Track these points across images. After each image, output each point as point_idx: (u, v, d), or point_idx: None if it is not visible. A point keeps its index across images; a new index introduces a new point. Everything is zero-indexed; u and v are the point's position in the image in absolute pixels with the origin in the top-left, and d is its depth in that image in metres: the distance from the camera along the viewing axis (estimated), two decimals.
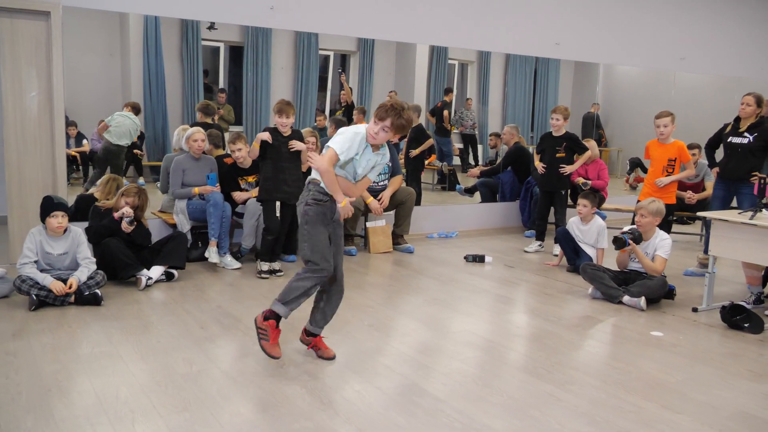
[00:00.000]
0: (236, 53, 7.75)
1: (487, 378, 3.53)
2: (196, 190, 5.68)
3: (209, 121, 6.62)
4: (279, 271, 5.47)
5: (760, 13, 10.06)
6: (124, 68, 7.00)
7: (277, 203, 5.40)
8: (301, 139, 5.41)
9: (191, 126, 6.09)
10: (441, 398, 3.23)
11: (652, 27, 9.13)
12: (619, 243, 4.98)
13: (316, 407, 3.10)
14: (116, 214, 5.00)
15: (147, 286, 4.95)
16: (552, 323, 4.53)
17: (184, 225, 5.66)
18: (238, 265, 5.70)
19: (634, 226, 5.12)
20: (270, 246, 5.40)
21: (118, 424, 2.86)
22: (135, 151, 6.91)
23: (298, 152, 5.32)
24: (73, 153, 6.96)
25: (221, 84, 7.93)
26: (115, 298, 4.70)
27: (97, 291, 4.57)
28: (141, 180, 7.15)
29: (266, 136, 5.17)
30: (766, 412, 3.21)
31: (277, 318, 3.46)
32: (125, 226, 4.96)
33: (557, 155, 6.76)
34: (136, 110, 6.72)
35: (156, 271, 5.08)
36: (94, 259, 4.76)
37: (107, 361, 3.56)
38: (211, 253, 5.59)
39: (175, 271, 5.22)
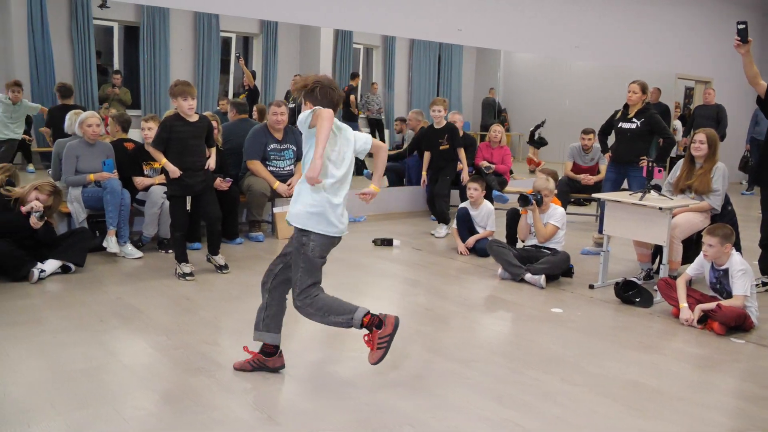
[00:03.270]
0: (131, 34, 7.41)
1: (394, 360, 3.57)
2: (92, 176, 5.41)
3: (70, 102, 6.30)
4: (225, 267, 5.15)
5: (644, 7, 10.64)
6: (6, 48, 6.54)
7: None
8: (208, 123, 5.09)
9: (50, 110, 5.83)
10: (349, 382, 3.25)
11: (549, 16, 9.46)
12: (524, 201, 5.17)
13: (223, 396, 3.04)
14: (24, 208, 4.69)
15: (40, 279, 4.68)
16: (458, 304, 4.64)
17: (80, 214, 5.38)
18: (139, 254, 5.48)
19: (538, 192, 5.29)
20: (182, 244, 5.01)
21: (10, 425, 2.70)
22: (24, 136, 6.50)
23: (203, 144, 5.02)
24: None
25: (116, 66, 7.57)
26: (4, 293, 4.41)
27: None
28: (30, 167, 6.74)
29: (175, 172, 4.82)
30: (653, 380, 3.43)
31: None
32: (34, 221, 4.67)
33: (441, 147, 6.86)
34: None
35: (51, 265, 4.79)
36: None
37: None
38: (110, 243, 5.35)
39: (71, 264, 4.96)
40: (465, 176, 6.79)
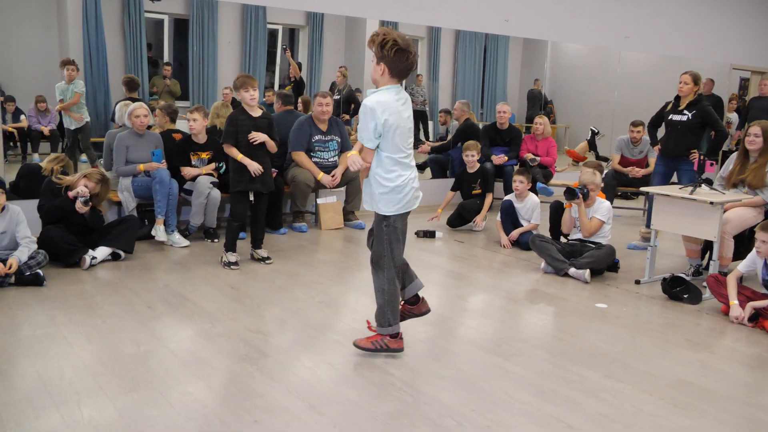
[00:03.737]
0: (181, 26, 7.55)
1: (436, 352, 3.58)
2: (141, 167, 5.53)
3: (135, 95, 6.42)
4: (268, 258, 5.20)
5: None
6: (62, 41, 6.74)
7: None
8: (271, 121, 5.06)
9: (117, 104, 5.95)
10: (391, 372, 3.27)
11: (598, 5, 9.26)
12: (570, 194, 5.10)
13: (267, 384, 3.09)
14: (71, 193, 4.84)
15: (91, 265, 4.83)
16: (500, 297, 4.61)
17: (129, 203, 5.52)
18: (186, 243, 5.60)
19: (584, 186, 5.22)
20: (236, 234, 5.08)
21: (63, 406, 2.80)
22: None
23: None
24: (10, 129, 6.70)
25: (166, 58, 7.73)
26: (58, 279, 4.57)
27: (39, 271, 4.43)
28: (83, 157, 6.94)
29: (256, 167, 4.84)
30: (702, 379, 3.35)
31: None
32: (80, 206, 4.81)
33: (473, 192, 6.75)
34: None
35: (101, 252, 4.94)
36: (35, 238, 4.60)
37: (50, 343, 3.47)
38: (158, 232, 5.48)
39: (121, 252, 5.10)
40: (479, 221, 6.66)
